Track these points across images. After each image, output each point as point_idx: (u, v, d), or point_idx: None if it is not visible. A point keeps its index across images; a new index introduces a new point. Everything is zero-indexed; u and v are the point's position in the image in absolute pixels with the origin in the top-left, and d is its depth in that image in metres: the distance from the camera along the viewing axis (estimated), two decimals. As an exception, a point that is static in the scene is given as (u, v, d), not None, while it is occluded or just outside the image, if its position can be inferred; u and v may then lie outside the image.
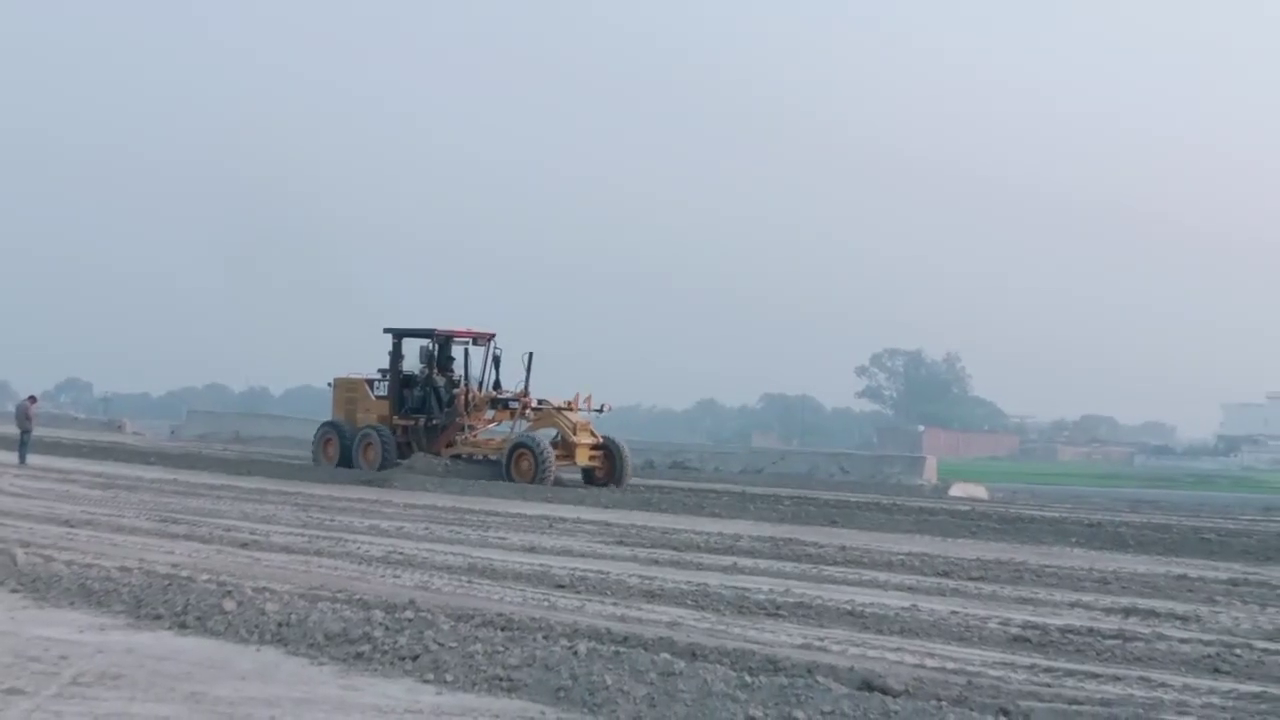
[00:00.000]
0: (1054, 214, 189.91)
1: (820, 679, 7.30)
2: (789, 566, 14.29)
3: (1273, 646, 9.81)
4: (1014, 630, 10.18)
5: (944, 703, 6.92)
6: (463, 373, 30.25)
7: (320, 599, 10.02)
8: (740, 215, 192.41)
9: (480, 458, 28.95)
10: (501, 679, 7.48)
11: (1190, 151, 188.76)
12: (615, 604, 11.08)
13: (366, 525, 17.26)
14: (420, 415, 29.79)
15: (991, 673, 8.50)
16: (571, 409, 28.45)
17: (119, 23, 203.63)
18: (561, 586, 11.97)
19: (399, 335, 30.42)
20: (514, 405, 29.17)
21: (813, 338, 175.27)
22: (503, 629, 8.96)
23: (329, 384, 31.92)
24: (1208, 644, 9.81)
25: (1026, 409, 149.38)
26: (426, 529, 17.08)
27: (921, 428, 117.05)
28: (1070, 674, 8.60)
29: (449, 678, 7.57)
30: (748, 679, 7.29)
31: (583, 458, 27.84)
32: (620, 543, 16.22)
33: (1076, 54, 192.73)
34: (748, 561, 14.64)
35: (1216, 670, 8.88)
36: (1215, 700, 7.87)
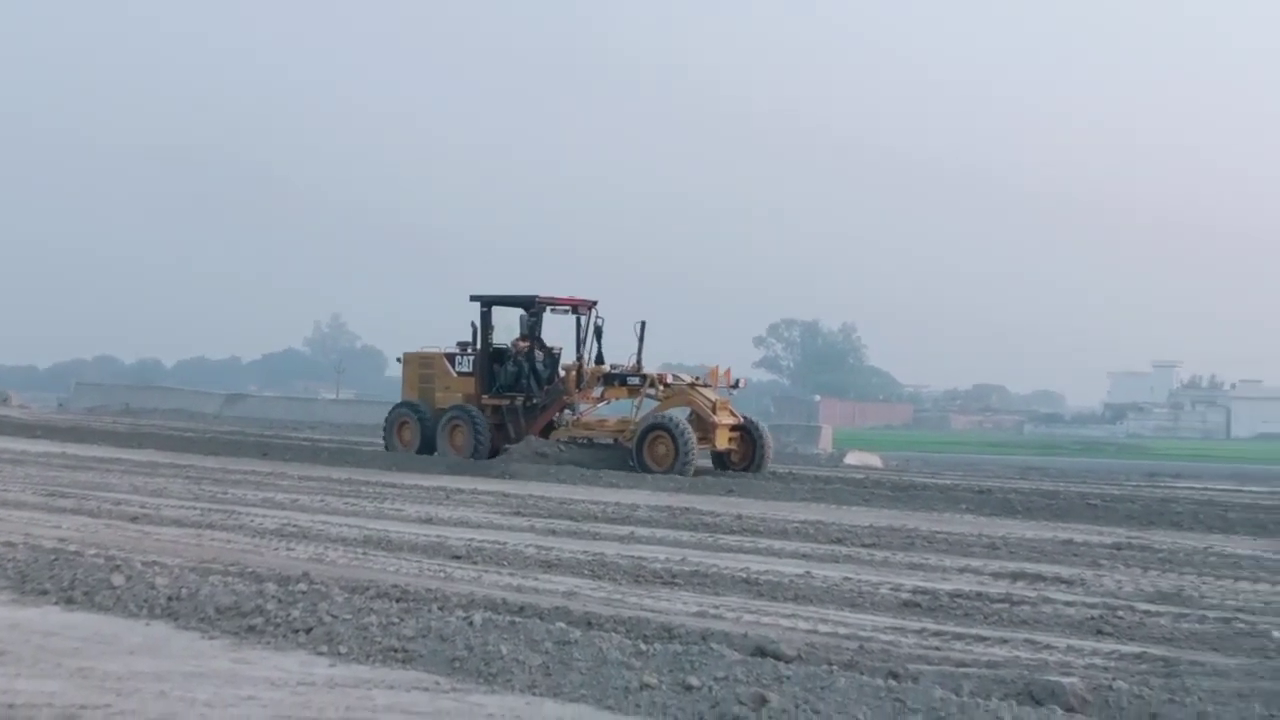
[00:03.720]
0: (949, 190, 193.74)
1: (714, 646, 7.36)
2: (685, 536, 14.38)
3: (1154, 609, 10.07)
4: (904, 595, 10.35)
5: (835, 667, 7.03)
6: (563, 345, 26.64)
7: (212, 572, 9.90)
8: (638, 188, 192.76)
9: (584, 441, 25.78)
10: (396, 650, 7.45)
11: (1078, 126, 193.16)
12: (512, 574, 11.09)
13: (260, 498, 17.06)
14: (516, 394, 26.09)
15: (882, 637, 8.64)
16: (704, 385, 25.48)
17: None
18: (458, 557, 11.94)
19: (488, 303, 26.54)
20: (633, 381, 25.63)
21: (710, 308, 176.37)
22: (398, 600, 8.92)
23: (398, 359, 28.39)
24: (1092, 606, 10.05)
25: (920, 379, 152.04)
26: (321, 501, 16.93)
27: (818, 397, 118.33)
28: (958, 637, 8.77)
29: (343, 650, 7.52)
30: (643, 647, 7.34)
31: (723, 440, 24.85)
32: (517, 513, 16.21)
33: (969, 22, 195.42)
34: (645, 531, 14.71)
35: (1100, 632, 9.10)
36: (1098, 661, 8.07)
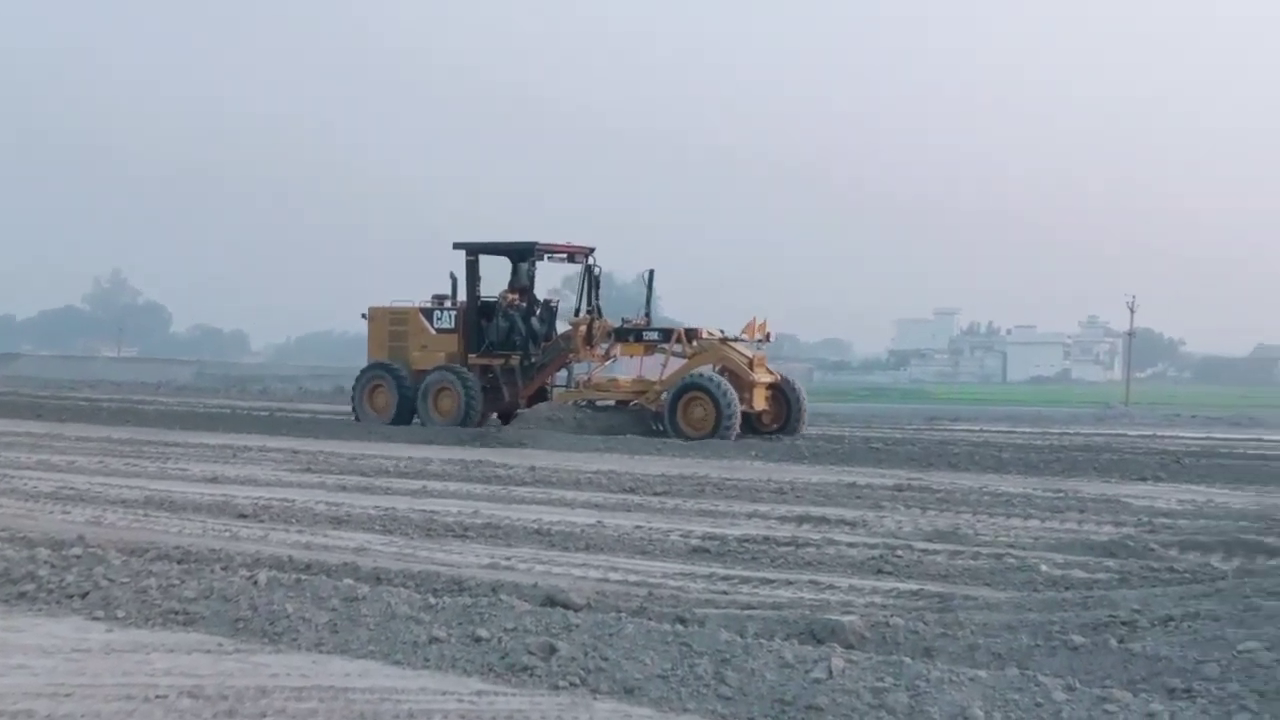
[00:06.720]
0: (733, 164, 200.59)
1: (504, 597, 7.36)
2: (478, 488, 14.34)
3: (931, 547, 10.43)
4: (694, 542, 10.50)
5: (624, 614, 7.09)
6: (557, 298, 24.87)
7: (-20, 539, 9.47)
8: (436, 159, 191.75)
9: (585, 403, 23.55)
10: (177, 613, 7.25)
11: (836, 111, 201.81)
12: (300, 532, 10.91)
13: (34, 460, 16.40)
14: (509, 353, 23.66)
15: (672, 583, 8.76)
16: (736, 339, 23.49)
17: None
18: (244, 516, 11.67)
19: (475, 251, 24.30)
20: (650, 336, 23.65)
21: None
22: (179, 562, 8.68)
23: (363, 315, 25.37)
24: (873, 547, 10.36)
25: (713, 328, 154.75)
26: (100, 462, 16.36)
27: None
28: (746, 581, 8.95)
29: (120, 614, 7.28)
30: (432, 600, 7.29)
31: (760, 400, 22.91)
32: (307, 470, 15.94)
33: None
34: (437, 485, 14.61)
35: (880, 571, 9.39)
36: (878, 599, 8.33)
